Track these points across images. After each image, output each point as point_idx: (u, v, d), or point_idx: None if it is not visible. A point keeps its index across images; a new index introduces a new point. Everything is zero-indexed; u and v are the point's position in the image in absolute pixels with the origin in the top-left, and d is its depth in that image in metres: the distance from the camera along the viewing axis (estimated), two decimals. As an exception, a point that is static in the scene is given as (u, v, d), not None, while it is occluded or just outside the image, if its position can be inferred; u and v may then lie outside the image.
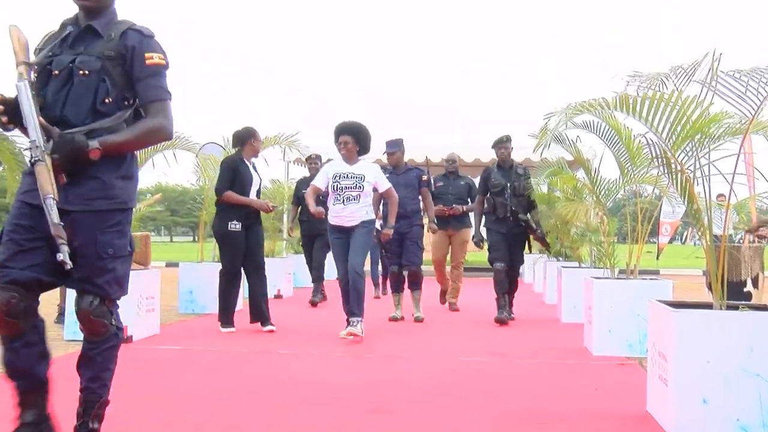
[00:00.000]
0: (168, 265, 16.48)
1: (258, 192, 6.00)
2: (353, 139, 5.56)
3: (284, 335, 5.71)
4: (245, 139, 5.94)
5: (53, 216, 2.14)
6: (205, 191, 7.58)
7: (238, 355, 4.80)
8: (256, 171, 6.04)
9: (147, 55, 2.37)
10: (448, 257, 7.77)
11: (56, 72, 2.34)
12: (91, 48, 2.37)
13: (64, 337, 5.34)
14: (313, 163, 8.25)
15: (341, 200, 5.50)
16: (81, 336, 5.59)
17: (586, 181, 6.14)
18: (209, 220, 7.79)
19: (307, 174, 8.41)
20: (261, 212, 6.00)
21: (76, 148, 2.23)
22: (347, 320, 5.46)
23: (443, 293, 7.93)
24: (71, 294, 5.32)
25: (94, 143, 2.26)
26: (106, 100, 2.34)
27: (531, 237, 6.86)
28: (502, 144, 6.78)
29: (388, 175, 6.49)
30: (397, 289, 6.91)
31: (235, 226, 5.79)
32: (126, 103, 2.38)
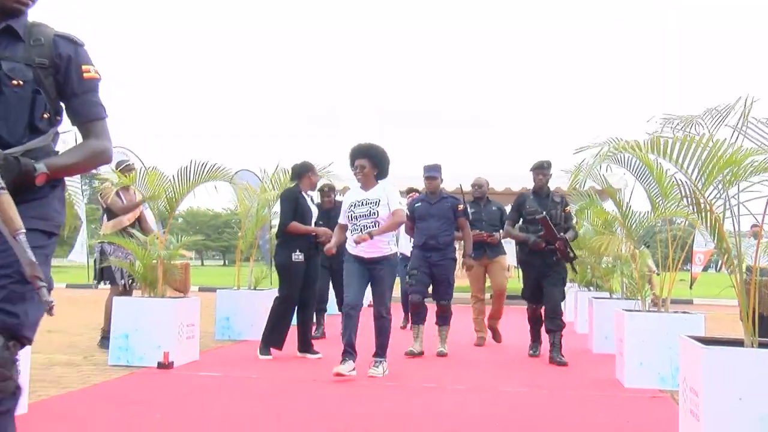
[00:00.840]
0: (201, 289, 16.75)
1: (315, 224, 6.22)
2: (370, 162, 5.21)
3: (320, 363, 5.82)
4: (303, 173, 6.20)
5: (29, 254, 1.74)
6: (243, 219, 7.76)
7: (276, 382, 4.92)
8: (313, 203, 6.29)
9: (84, 67, 2.10)
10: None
11: None
12: (14, 53, 2.02)
13: (109, 362, 5.51)
14: (326, 196, 7.58)
15: (358, 230, 5.17)
16: (129, 360, 5.79)
17: (616, 214, 6.18)
18: (245, 249, 8.00)
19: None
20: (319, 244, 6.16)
21: (23, 173, 1.89)
22: (343, 353, 5.06)
23: (494, 331, 7.36)
24: (118, 316, 5.52)
25: (41, 167, 1.93)
26: (44, 116, 2.04)
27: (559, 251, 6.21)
28: (541, 170, 6.37)
29: (420, 204, 6.43)
30: (418, 320, 6.44)
31: (298, 257, 6.00)
32: (57, 118, 2.10)
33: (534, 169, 6.44)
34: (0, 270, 1.84)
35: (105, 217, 6.63)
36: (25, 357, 3.76)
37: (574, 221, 6.70)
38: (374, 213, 5.16)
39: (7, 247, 1.81)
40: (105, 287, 6.68)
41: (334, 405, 4.20)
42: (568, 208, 6.45)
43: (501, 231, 7.09)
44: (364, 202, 5.22)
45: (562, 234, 6.20)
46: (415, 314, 6.44)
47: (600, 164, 3.79)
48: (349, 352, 5.06)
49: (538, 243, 6.18)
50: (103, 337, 6.42)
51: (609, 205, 7.20)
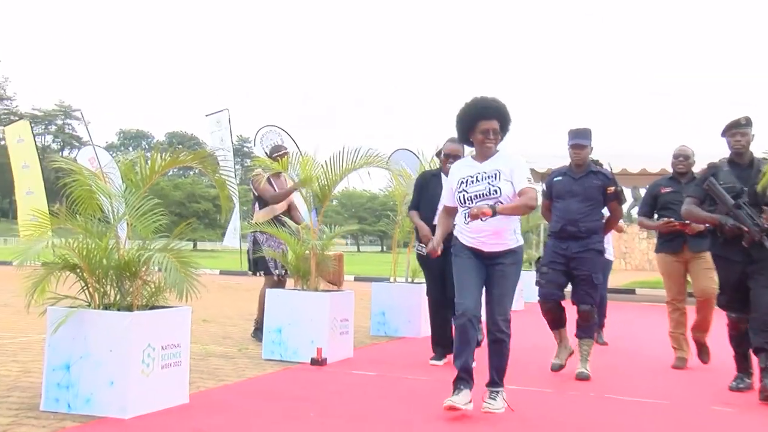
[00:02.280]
0: (357, 279, 17.38)
1: None
2: (499, 126, 4.30)
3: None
4: (441, 153, 6.09)
5: None
6: (399, 204, 7.91)
7: (435, 384, 5.02)
8: None
9: None
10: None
11: None
12: None
13: (263, 356, 5.91)
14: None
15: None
16: (282, 355, 6.18)
17: None
18: (402, 237, 8.18)
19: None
20: None
21: None
22: (456, 381, 4.16)
23: (700, 347, 6.11)
24: (271, 309, 5.91)
25: None
26: None
27: None
28: (738, 128, 5.03)
29: (560, 178, 5.62)
30: (557, 324, 5.65)
31: (420, 249, 6.02)
32: None
33: (728, 130, 5.07)
34: None
35: (257, 205, 7.08)
36: (185, 347, 4.16)
37: None
38: (495, 191, 4.20)
39: None
40: (259, 277, 7.15)
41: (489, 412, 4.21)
42: None
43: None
44: (480, 177, 4.25)
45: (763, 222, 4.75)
46: (551, 320, 5.65)
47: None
48: (465, 379, 4.16)
49: (741, 229, 4.77)
50: (256, 328, 6.89)
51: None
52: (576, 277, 5.48)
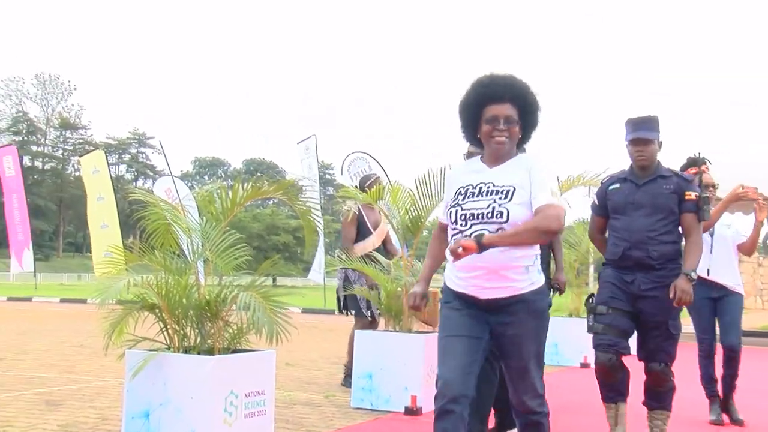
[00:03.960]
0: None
1: None
2: (519, 113, 3.27)
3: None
4: None
5: None
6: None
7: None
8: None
9: None
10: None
11: None
12: None
13: (351, 404, 5.93)
14: None
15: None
16: (372, 403, 6.17)
17: None
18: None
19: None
20: None
21: None
22: None
23: None
24: (361, 353, 5.93)
25: None
26: None
27: None
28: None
29: (617, 185, 4.55)
30: (615, 396, 4.56)
31: None
32: None
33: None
34: None
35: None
36: (269, 395, 4.22)
37: None
38: (500, 213, 3.15)
39: None
40: (348, 317, 7.19)
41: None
42: None
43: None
44: (486, 189, 3.23)
45: None
46: (608, 387, 4.56)
47: None
48: None
49: None
50: (346, 375, 6.93)
51: None
52: (645, 323, 4.41)
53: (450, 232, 3.30)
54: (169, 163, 18.72)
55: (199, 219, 4.67)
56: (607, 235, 4.63)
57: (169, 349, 4.13)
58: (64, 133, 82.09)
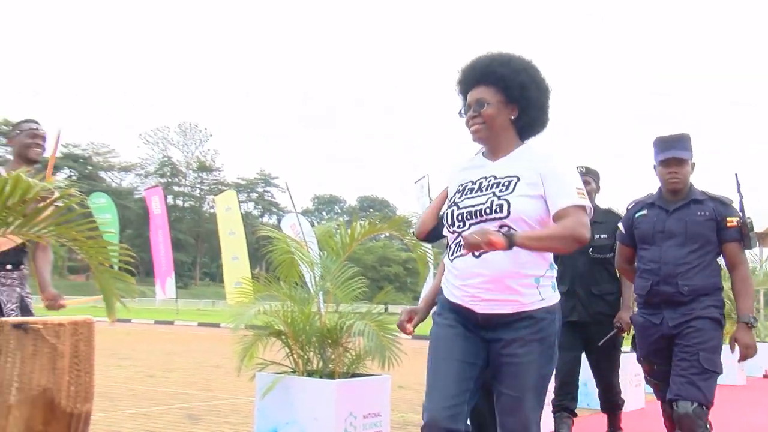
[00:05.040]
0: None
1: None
2: (502, 94, 2.57)
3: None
4: None
5: None
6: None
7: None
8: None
9: None
10: None
11: None
12: None
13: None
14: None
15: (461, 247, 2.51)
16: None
17: None
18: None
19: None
20: None
21: None
22: None
23: None
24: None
25: None
26: None
27: None
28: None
29: (644, 212, 3.80)
30: None
31: None
32: None
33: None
34: None
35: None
36: (385, 416, 4.20)
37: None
38: (499, 207, 2.48)
39: None
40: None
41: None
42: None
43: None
44: (485, 184, 2.57)
45: None
46: None
47: None
48: None
49: None
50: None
51: None
52: (674, 355, 3.59)
53: (449, 237, 2.63)
54: (293, 201, 19.17)
55: (319, 253, 4.76)
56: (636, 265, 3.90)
57: (294, 372, 4.20)
58: (201, 174, 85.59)
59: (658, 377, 3.75)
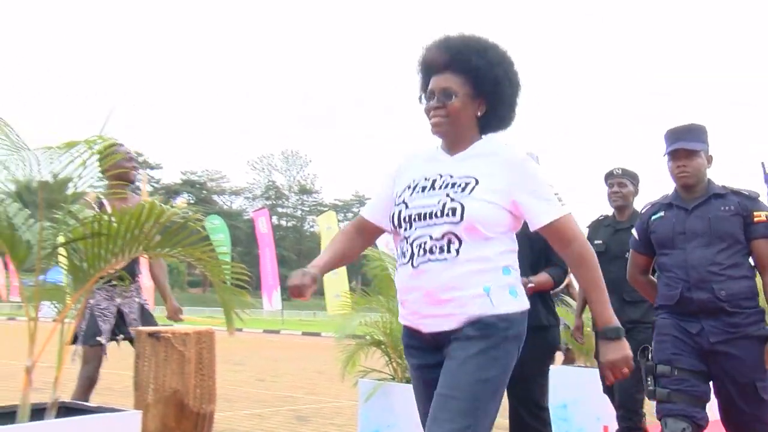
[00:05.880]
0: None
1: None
2: (465, 80, 2.13)
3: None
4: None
5: None
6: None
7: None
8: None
9: None
10: None
11: None
12: None
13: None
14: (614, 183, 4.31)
15: (410, 253, 2.09)
16: (566, 431, 5.73)
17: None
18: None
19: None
20: None
21: None
22: None
23: None
24: (557, 385, 5.73)
25: None
26: None
27: None
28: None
29: (660, 214, 3.21)
30: None
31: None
32: None
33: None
34: None
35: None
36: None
37: None
38: (453, 209, 2.04)
39: None
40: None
41: None
42: None
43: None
44: (440, 183, 2.12)
45: None
46: None
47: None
48: None
49: None
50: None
51: None
52: (722, 387, 3.01)
53: (395, 240, 2.18)
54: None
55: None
56: (655, 276, 3.30)
57: (393, 379, 4.24)
58: (302, 197, 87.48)
59: (670, 385, 2.97)
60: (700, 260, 3.02)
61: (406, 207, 2.11)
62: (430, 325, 2.05)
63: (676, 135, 3.17)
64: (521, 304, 2.08)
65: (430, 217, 2.05)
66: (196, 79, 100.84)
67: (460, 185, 2.06)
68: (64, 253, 2.94)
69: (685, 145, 3.11)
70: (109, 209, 2.89)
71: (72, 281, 2.89)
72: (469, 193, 2.04)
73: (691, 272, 3.02)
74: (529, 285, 3.17)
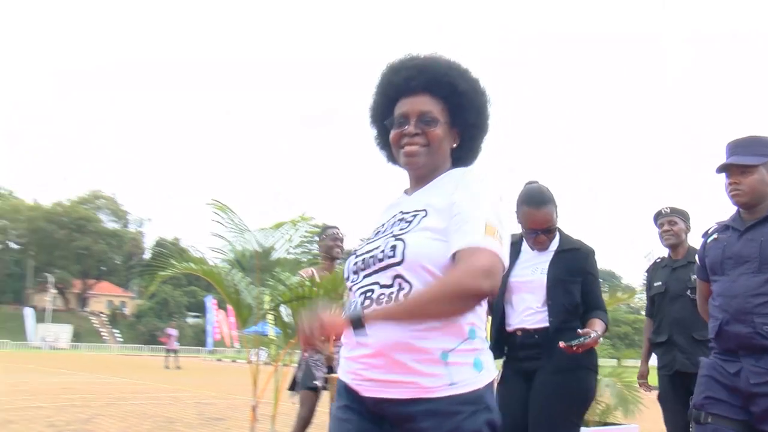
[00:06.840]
0: None
1: None
2: (448, 113, 1.78)
3: None
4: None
5: None
6: None
7: None
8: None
9: None
10: None
11: None
12: None
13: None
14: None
15: (351, 304, 1.78)
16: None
17: None
18: None
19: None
20: None
21: None
22: None
23: None
24: None
25: None
26: None
27: None
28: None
29: (716, 237, 2.80)
30: None
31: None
32: None
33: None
34: None
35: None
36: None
37: None
38: (393, 248, 1.67)
39: None
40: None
41: None
42: None
43: None
44: (392, 223, 1.79)
45: None
46: None
47: None
48: None
49: None
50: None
51: None
52: None
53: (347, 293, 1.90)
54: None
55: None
56: None
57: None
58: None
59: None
60: (744, 289, 2.56)
61: (355, 256, 1.78)
62: (373, 389, 1.64)
63: (730, 148, 2.77)
64: (487, 376, 1.64)
65: (375, 262, 1.68)
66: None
67: (407, 220, 1.71)
68: (274, 312, 3.49)
69: (737, 160, 2.69)
70: (317, 278, 3.42)
71: (282, 335, 3.40)
72: (414, 227, 1.67)
73: (732, 301, 2.57)
74: (593, 336, 2.74)
